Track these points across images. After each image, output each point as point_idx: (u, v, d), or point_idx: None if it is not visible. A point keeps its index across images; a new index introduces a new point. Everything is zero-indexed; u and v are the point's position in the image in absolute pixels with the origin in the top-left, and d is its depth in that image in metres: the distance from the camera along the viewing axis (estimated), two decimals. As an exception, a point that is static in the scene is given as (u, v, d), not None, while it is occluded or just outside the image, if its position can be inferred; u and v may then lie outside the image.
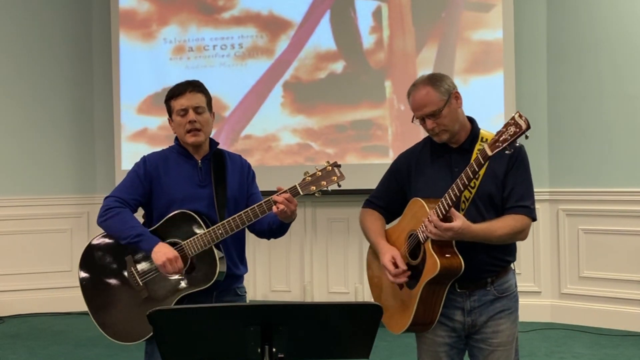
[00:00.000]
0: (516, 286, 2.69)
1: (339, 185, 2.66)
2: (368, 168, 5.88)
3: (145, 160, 2.86)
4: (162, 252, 2.66)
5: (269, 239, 2.97)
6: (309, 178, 2.66)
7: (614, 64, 5.48)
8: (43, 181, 6.60)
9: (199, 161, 2.83)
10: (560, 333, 5.37)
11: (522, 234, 2.56)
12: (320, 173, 2.65)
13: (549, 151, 5.50)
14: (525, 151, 2.61)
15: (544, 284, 5.75)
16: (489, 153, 2.35)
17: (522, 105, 5.57)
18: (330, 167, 2.66)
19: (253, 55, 6.21)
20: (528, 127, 2.29)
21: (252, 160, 6.61)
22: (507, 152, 2.36)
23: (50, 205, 6.57)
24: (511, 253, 2.66)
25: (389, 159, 5.86)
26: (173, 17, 6.41)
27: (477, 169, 2.40)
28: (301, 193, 2.65)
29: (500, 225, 2.52)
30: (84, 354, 5.12)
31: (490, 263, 2.58)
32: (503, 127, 2.33)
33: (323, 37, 6.03)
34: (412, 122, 2.63)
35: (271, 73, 6.16)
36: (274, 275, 6.31)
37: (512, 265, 2.68)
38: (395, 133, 5.87)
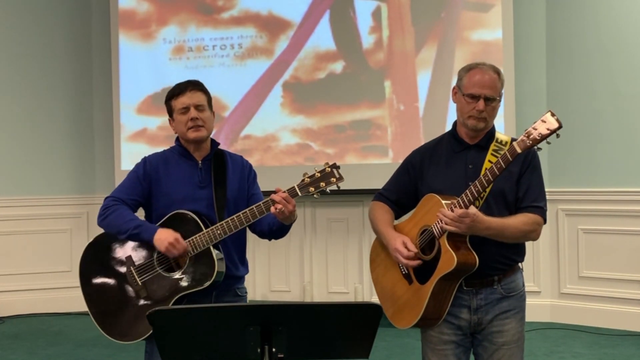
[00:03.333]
0: (524, 286, 2.71)
1: (338, 187, 2.66)
2: (367, 168, 5.89)
3: (145, 161, 2.88)
4: (163, 238, 2.66)
5: (270, 239, 2.98)
6: (308, 179, 2.66)
7: (613, 64, 5.48)
8: (43, 181, 6.60)
9: (200, 162, 2.84)
10: (560, 333, 5.38)
11: (534, 233, 2.59)
12: (319, 174, 2.65)
13: (548, 151, 5.47)
14: (538, 156, 2.65)
15: (544, 283, 5.76)
16: (519, 151, 2.40)
17: (521, 105, 5.56)
18: (329, 169, 2.66)
19: (252, 55, 6.21)
20: (560, 126, 2.32)
21: (252, 161, 6.59)
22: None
23: (50, 206, 6.57)
24: (520, 253, 2.69)
25: (388, 159, 5.87)
26: (172, 17, 6.40)
27: (504, 166, 2.44)
28: (300, 194, 2.64)
29: (514, 221, 2.55)
30: (83, 354, 5.12)
31: (498, 261, 2.60)
32: (532, 126, 2.39)
33: (322, 37, 6.03)
34: (464, 96, 2.59)
35: (271, 73, 6.16)
36: (274, 275, 6.31)
37: (519, 265, 2.70)
38: (395, 133, 5.87)
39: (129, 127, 6.44)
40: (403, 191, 2.78)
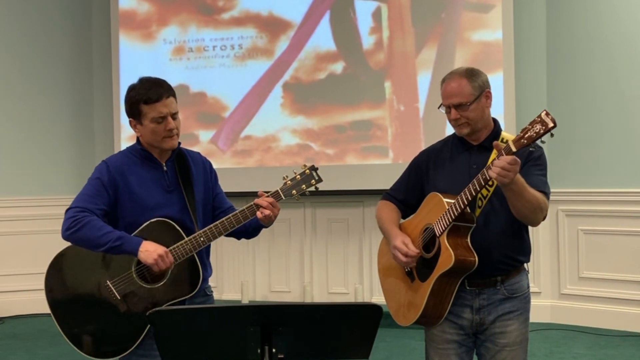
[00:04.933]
0: (528, 287, 2.70)
1: (317, 189, 2.70)
2: (368, 169, 5.89)
3: (107, 165, 2.68)
4: (151, 250, 2.52)
5: (239, 239, 2.91)
6: (290, 182, 2.67)
7: (613, 65, 5.48)
8: (43, 182, 6.60)
9: (164, 164, 2.71)
10: (560, 333, 5.38)
11: (541, 213, 2.52)
12: (299, 177, 2.68)
13: (548, 152, 5.44)
14: (545, 155, 2.64)
15: (544, 284, 5.75)
16: (513, 149, 2.37)
17: (521, 106, 5.57)
18: (308, 171, 2.69)
19: (253, 55, 6.21)
20: (554, 125, 2.30)
21: (252, 161, 6.64)
22: (530, 149, 2.39)
23: (50, 206, 6.55)
24: (524, 253, 2.67)
25: (388, 160, 5.87)
26: (173, 18, 6.41)
27: None
28: (283, 198, 2.65)
29: (532, 191, 2.47)
30: (83, 355, 5.11)
31: (502, 262, 2.60)
32: (528, 125, 2.35)
33: (323, 38, 6.03)
34: (439, 108, 2.67)
35: (271, 73, 6.16)
36: (274, 275, 6.31)
37: (525, 266, 2.69)
38: (395, 133, 5.87)
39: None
40: (410, 191, 2.80)
